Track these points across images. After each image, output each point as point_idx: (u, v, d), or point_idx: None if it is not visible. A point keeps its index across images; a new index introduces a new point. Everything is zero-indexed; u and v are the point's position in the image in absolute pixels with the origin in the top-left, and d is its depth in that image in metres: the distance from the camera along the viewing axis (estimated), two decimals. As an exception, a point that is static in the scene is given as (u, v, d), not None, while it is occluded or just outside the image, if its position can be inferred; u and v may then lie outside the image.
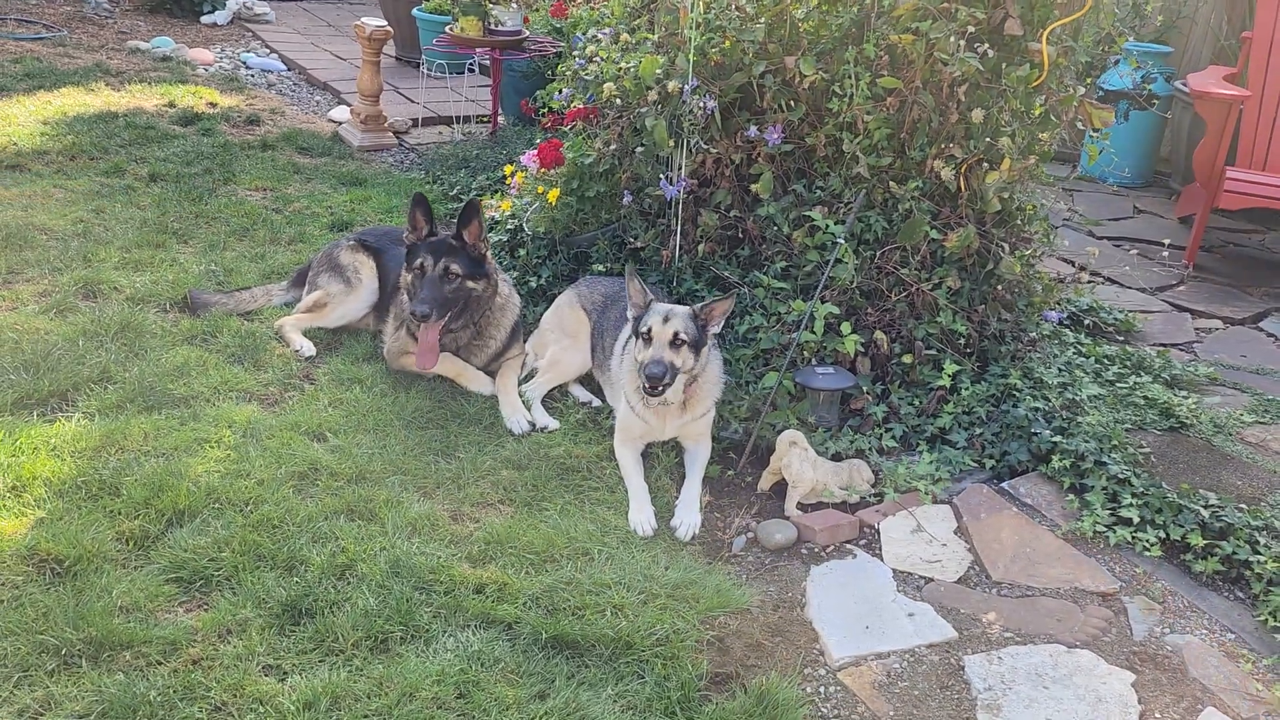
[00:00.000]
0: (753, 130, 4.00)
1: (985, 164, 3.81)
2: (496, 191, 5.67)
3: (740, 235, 4.24)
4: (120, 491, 3.14)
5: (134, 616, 2.69)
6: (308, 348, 4.13)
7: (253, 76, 8.61)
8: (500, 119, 7.18)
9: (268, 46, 9.61)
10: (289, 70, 8.99)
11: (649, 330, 3.43)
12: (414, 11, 8.36)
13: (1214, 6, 7.11)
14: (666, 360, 3.38)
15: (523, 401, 3.92)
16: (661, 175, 4.17)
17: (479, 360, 4.09)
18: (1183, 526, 3.23)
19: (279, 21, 10.64)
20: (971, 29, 3.63)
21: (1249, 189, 5.26)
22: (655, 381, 3.37)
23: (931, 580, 3.13)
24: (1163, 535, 3.23)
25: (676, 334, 3.41)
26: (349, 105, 7.63)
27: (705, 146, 4.06)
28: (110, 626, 2.62)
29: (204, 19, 10.26)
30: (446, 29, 6.94)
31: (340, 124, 7.37)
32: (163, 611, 2.74)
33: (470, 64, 7.27)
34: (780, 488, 3.50)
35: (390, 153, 7.00)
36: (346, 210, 5.72)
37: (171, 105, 7.28)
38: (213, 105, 7.45)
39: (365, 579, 2.90)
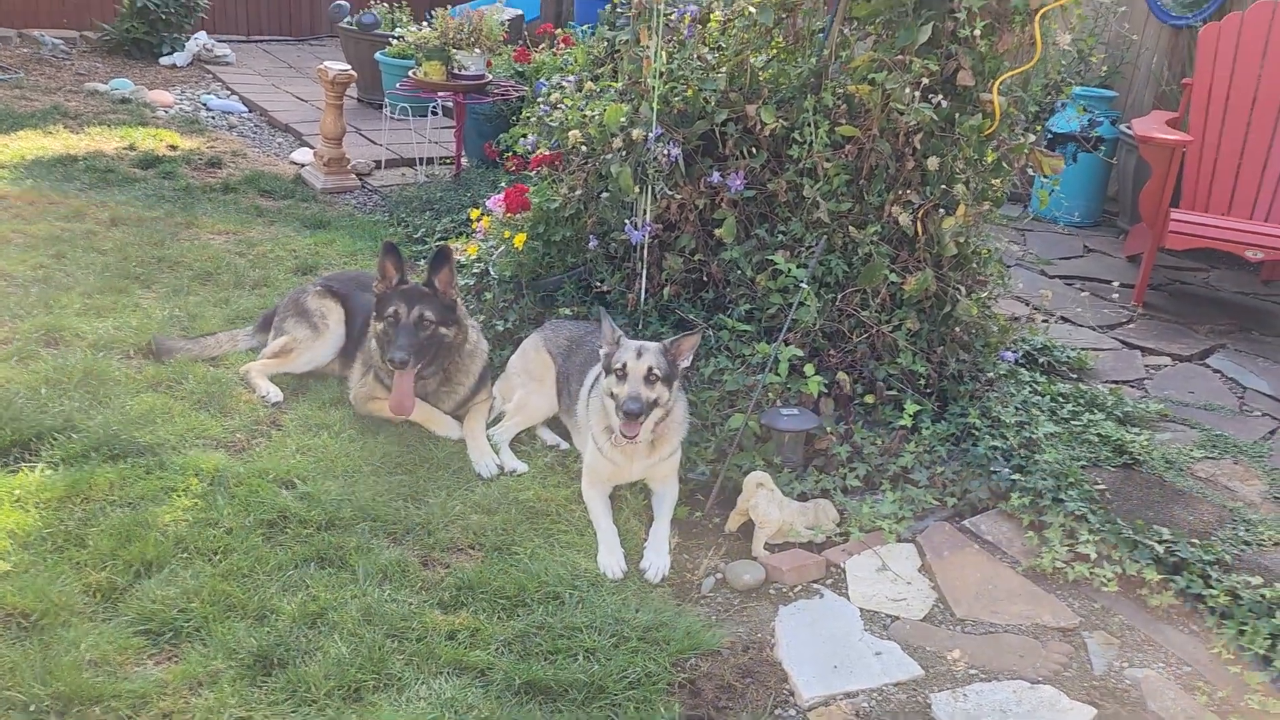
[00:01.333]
0: (716, 176, 4.09)
1: (941, 209, 3.93)
2: (462, 234, 5.72)
3: (704, 279, 4.32)
4: (86, 542, 3.12)
5: (103, 670, 2.66)
6: (274, 393, 4.13)
7: (213, 118, 8.61)
8: (464, 161, 7.25)
9: (228, 88, 9.62)
10: (250, 112, 9.00)
11: (623, 366, 3.47)
12: (377, 55, 8.43)
13: (1156, 53, 7.38)
14: (643, 396, 3.43)
15: (491, 445, 3.95)
16: (627, 220, 4.24)
17: (447, 405, 4.11)
18: (1138, 561, 3.32)
19: (239, 63, 10.65)
20: (925, 80, 3.75)
21: (1193, 230, 5.44)
22: (633, 418, 3.41)
23: (898, 618, 3.19)
24: (1119, 570, 3.32)
25: (650, 369, 3.46)
26: (311, 147, 7.65)
27: (670, 192, 4.15)
28: (79, 681, 2.59)
29: (163, 60, 10.25)
30: (410, 73, 7.02)
31: (303, 166, 7.39)
32: (132, 664, 2.72)
33: (433, 107, 7.34)
34: (747, 528, 3.55)
35: (353, 195, 7.02)
36: (310, 253, 5.73)
37: (132, 148, 7.26)
38: (173, 148, 7.44)
39: (337, 627, 2.90)
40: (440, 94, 6.99)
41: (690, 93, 4.20)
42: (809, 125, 3.98)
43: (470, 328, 4.19)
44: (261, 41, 12.29)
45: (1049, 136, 6.97)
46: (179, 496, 3.41)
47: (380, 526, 3.40)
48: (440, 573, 3.23)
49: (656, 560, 3.39)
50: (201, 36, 10.52)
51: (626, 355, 3.50)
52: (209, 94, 9.28)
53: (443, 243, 4.18)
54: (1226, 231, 5.43)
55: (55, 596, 2.86)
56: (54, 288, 4.86)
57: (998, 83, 3.89)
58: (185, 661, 2.73)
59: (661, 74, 4.10)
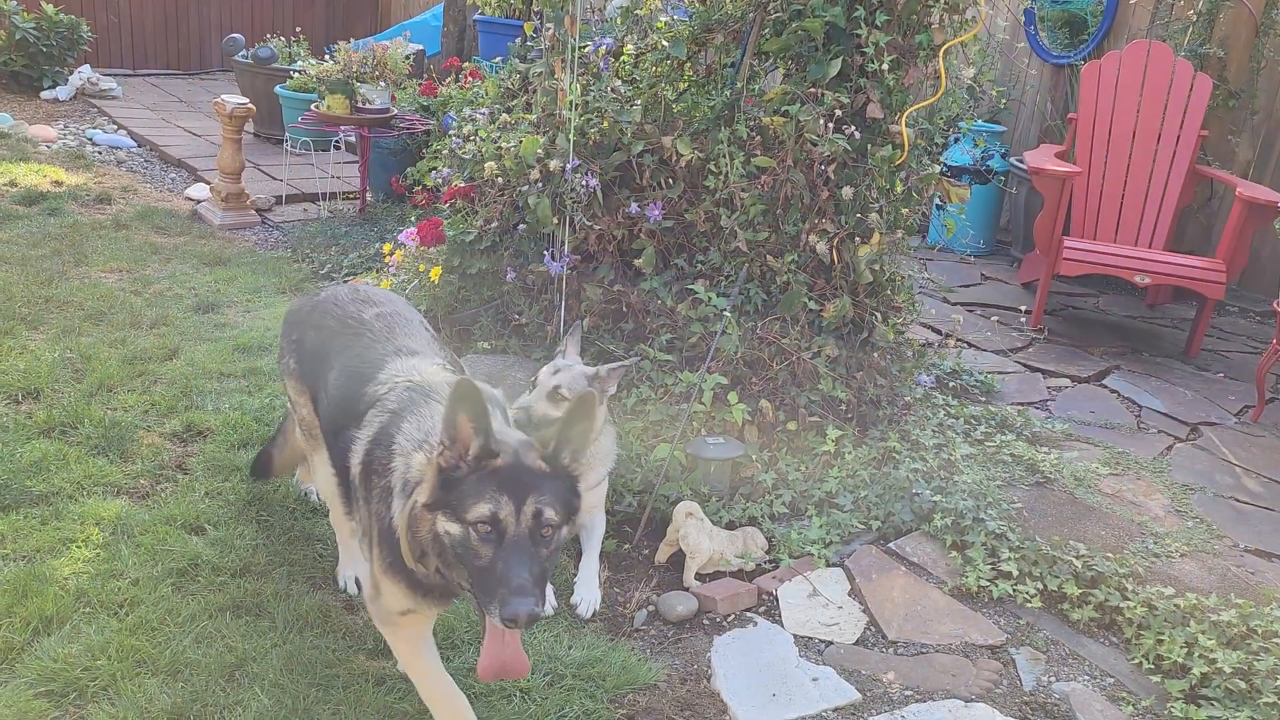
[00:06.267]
0: (634, 207, 4.10)
1: (856, 238, 4.00)
2: (371, 269, 5.60)
3: (624, 309, 4.30)
4: (-23, 600, 2.91)
5: (0, 738, 2.48)
6: None
7: (100, 154, 8.28)
8: (369, 196, 7.11)
9: (115, 123, 9.26)
10: (139, 147, 8.68)
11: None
12: (277, 89, 8.24)
13: (1039, 90, 7.73)
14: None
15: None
16: (545, 251, 4.20)
17: None
18: (1058, 577, 3.40)
19: (126, 97, 10.29)
20: (838, 112, 3.83)
21: (1084, 256, 5.68)
22: None
23: (831, 643, 3.19)
24: (1041, 586, 3.40)
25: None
26: (206, 183, 7.41)
27: (588, 223, 4.13)
28: (-26, 751, 2.41)
29: (44, 94, 9.85)
30: (313, 106, 6.87)
31: (199, 202, 7.14)
32: (33, 730, 2.54)
33: (336, 141, 7.19)
34: (678, 559, 3.52)
35: (254, 231, 6.80)
36: (211, 291, 5.52)
37: (12, 184, 6.91)
38: (58, 184, 7.11)
39: (257, 679, 2.75)
40: (344, 128, 6.86)
41: (606, 124, 4.21)
42: (724, 156, 4.02)
43: None
44: (149, 75, 11.91)
45: (945, 169, 7.21)
46: (79, 547, 3.21)
47: (298, 571, 3.26)
48: (365, 617, 3.10)
49: (587, 595, 3.33)
50: (85, 70, 10.13)
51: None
52: (95, 128, 8.92)
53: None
54: (1117, 258, 5.68)
55: (-55, 660, 2.65)
56: (-69, 330, 4.57)
57: (905, 115, 4.00)
58: (93, 723, 2.56)
59: (577, 106, 4.10)
